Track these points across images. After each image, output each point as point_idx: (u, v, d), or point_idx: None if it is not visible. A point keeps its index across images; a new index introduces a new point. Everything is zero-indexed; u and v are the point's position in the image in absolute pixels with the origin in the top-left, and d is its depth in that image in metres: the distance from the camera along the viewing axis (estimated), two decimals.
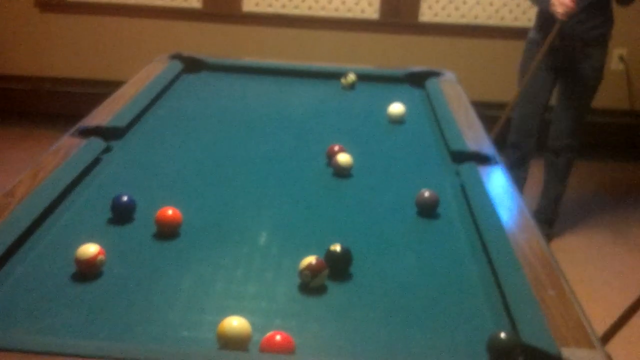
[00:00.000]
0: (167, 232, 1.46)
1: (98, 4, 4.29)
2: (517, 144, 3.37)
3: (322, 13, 4.27)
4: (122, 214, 1.51)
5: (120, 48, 4.37)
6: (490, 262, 1.39)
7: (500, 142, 2.09)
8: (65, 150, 1.77)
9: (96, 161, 1.78)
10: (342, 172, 1.81)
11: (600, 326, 2.62)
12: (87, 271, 1.29)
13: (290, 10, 4.27)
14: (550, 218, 3.44)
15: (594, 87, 3.25)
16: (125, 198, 1.51)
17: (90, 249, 1.30)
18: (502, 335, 1.13)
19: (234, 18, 4.29)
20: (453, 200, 1.69)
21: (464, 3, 4.21)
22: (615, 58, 4.33)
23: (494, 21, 4.22)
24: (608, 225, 3.60)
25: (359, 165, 1.84)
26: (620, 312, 2.39)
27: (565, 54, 3.18)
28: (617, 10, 4.22)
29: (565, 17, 2.97)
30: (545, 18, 3.14)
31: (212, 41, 4.28)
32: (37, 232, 1.42)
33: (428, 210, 1.61)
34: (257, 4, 4.27)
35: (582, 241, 3.45)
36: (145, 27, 4.33)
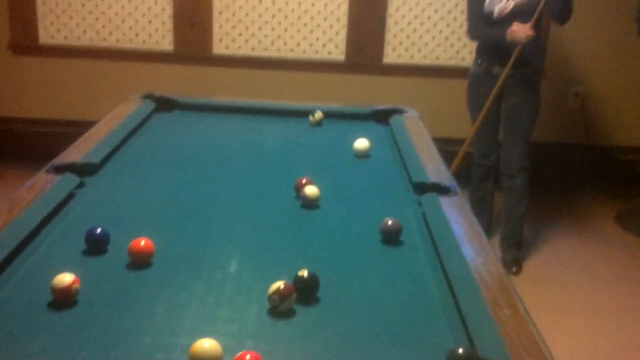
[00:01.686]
0: (140, 261, 1.50)
1: (71, 47, 4.35)
2: (479, 162, 3.62)
3: (290, 55, 4.39)
4: (96, 245, 1.55)
5: (93, 90, 4.42)
6: (450, 284, 1.46)
7: (459, 175, 2.18)
8: (40, 186, 1.82)
9: (70, 196, 1.83)
10: (309, 204, 1.88)
11: (568, 345, 2.73)
12: (63, 299, 1.33)
13: (259, 52, 4.38)
14: (517, 241, 3.57)
15: (533, 112, 3.43)
16: (99, 230, 1.56)
17: (65, 278, 1.34)
18: (460, 350, 1.20)
19: (205, 60, 4.38)
20: (415, 228, 1.77)
21: (426, 45, 4.38)
22: (572, 95, 4.51)
23: (455, 62, 4.38)
24: (569, 253, 3.73)
25: (326, 196, 1.91)
26: (585, 335, 2.48)
27: (505, 79, 3.35)
28: (574, 52, 4.43)
29: (527, 40, 3.17)
30: (487, 51, 3.38)
31: (184, 83, 4.36)
32: (14, 263, 1.46)
33: (391, 237, 1.69)
34: (227, 47, 4.37)
35: (549, 267, 3.57)
36: (117, 69, 4.40)
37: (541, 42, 3.46)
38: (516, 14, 3.23)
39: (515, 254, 3.54)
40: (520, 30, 3.18)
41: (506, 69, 3.28)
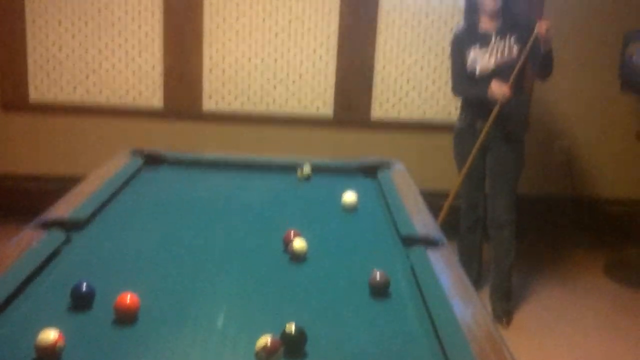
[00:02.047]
0: (125, 317, 1.49)
1: (62, 104, 4.39)
2: (467, 213, 3.66)
3: (279, 111, 4.44)
4: (81, 302, 1.54)
5: (82, 146, 4.44)
6: (438, 338, 1.45)
7: (447, 226, 2.19)
8: (27, 242, 1.81)
9: (57, 252, 1.82)
10: (298, 257, 1.88)
11: None
12: (47, 358, 1.31)
13: (248, 108, 4.43)
14: (506, 293, 3.56)
15: (517, 165, 3.48)
16: (84, 286, 1.55)
17: (50, 335, 1.32)
18: None
19: (195, 116, 4.43)
20: (403, 281, 1.77)
21: (412, 101, 4.45)
22: (557, 148, 4.57)
23: (441, 117, 4.44)
24: (558, 304, 3.72)
25: (315, 250, 1.91)
26: None
27: (489, 134, 3.39)
28: (560, 106, 4.52)
29: (505, 100, 3.23)
30: (470, 106, 3.45)
31: (174, 139, 4.39)
32: None
33: (380, 290, 1.68)
34: (216, 103, 4.43)
35: (538, 318, 3.55)
36: (108, 126, 4.43)
37: (524, 97, 3.53)
38: (498, 72, 3.30)
39: (504, 305, 3.52)
40: (496, 89, 3.25)
41: (487, 125, 3.33)
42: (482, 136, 3.35)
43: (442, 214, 3.33)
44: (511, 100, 3.29)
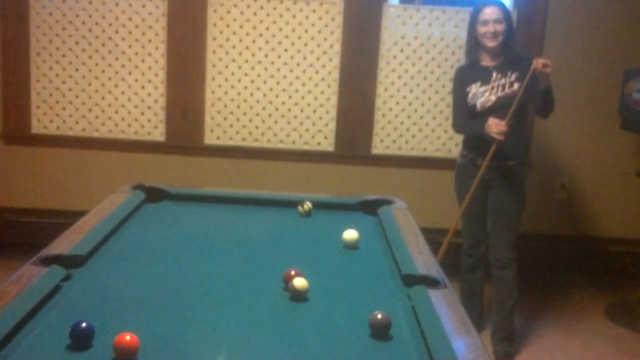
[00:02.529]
0: (125, 357, 1.47)
1: (63, 137, 4.41)
2: (468, 252, 3.64)
3: (280, 145, 4.46)
4: (80, 341, 1.52)
5: (84, 179, 4.45)
6: None
7: (448, 266, 2.18)
8: (26, 279, 1.80)
9: (56, 289, 1.81)
10: (298, 296, 1.87)
11: None
12: None
13: (250, 143, 4.45)
14: (508, 334, 3.52)
15: (518, 203, 3.47)
16: (83, 324, 1.53)
17: None
18: None
19: (197, 150, 4.45)
20: (405, 322, 1.75)
21: (413, 137, 4.47)
22: (558, 186, 4.58)
23: (441, 153, 4.46)
24: (560, 346, 3.68)
25: (315, 289, 1.90)
26: None
27: (490, 172, 3.41)
28: (560, 144, 4.54)
29: (503, 137, 3.24)
30: (472, 143, 3.46)
31: (175, 172, 4.40)
32: None
33: (381, 332, 1.67)
34: (218, 138, 4.45)
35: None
36: (109, 159, 4.44)
37: (524, 135, 3.54)
38: (498, 108, 3.32)
39: (506, 347, 3.49)
40: (493, 126, 3.27)
41: (485, 162, 3.34)
42: (480, 172, 3.36)
43: (442, 251, 3.32)
44: (511, 138, 3.31)
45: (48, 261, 1.93)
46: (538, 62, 3.15)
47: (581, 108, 4.48)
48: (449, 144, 4.44)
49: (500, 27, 3.31)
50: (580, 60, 4.44)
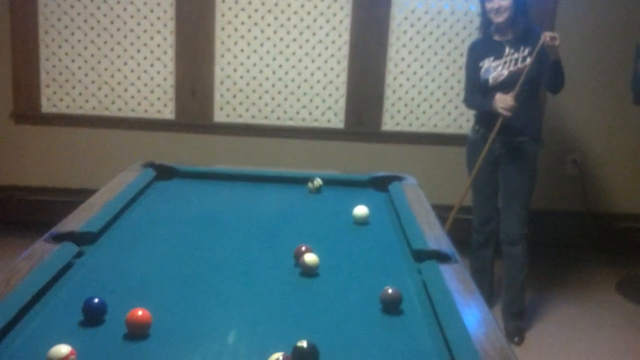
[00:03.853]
0: (137, 333, 1.48)
1: (73, 116, 4.42)
2: (479, 228, 3.64)
3: (290, 123, 4.45)
4: (93, 316, 1.54)
5: (94, 158, 4.47)
6: (451, 356, 1.44)
7: (458, 242, 2.18)
8: (39, 255, 1.81)
9: (69, 265, 1.82)
10: (309, 272, 1.87)
11: None
12: None
13: (260, 120, 4.44)
14: (519, 309, 3.52)
15: (529, 180, 3.45)
16: (96, 300, 1.55)
17: (62, 350, 1.32)
18: None
19: (206, 128, 4.45)
20: (415, 297, 1.75)
21: (424, 113, 4.45)
22: (569, 163, 4.55)
23: (452, 129, 4.44)
24: (571, 322, 3.69)
25: (326, 264, 1.90)
26: None
27: (501, 148, 3.41)
28: (571, 120, 4.50)
29: (509, 112, 3.22)
30: (483, 118, 3.44)
31: (185, 150, 4.41)
32: (10, 334, 1.44)
33: (392, 307, 1.67)
34: (227, 115, 4.44)
35: (551, 336, 3.51)
36: (119, 137, 4.45)
37: (536, 111, 3.51)
38: (510, 82, 3.29)
39: (517, 323, 3.49)
40: (499, 101, 3.25)
41: (491, 136, 3.33)
42: (487, 145, 3.35)
43: (449, 220, 3.31)
44: (522, 114, 3.28)
45: (60, 238, 1.94)
46: (546, 36, 3.12)
47: (593, 83, 4.44)
48: (459, 120, 4.41)
49: (505, 3, 3.27)
50: (592, 35, 4.38)
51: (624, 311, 3.84)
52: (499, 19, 3.30)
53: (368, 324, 1.61)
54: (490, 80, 3.35)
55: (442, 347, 1.49)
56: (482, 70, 3.39)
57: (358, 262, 2.02)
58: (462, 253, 2.06)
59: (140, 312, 1.50)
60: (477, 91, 3.44)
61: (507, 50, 3.35)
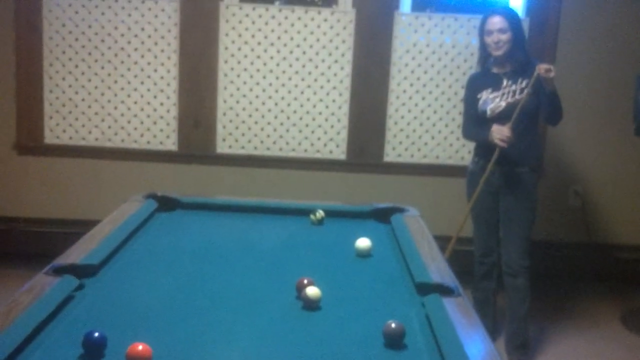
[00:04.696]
0: None
1: (75, 147, 4.43)
2: (481, 260, 3.63)
3: (292, 154, 4.46)
4: (93, 351, 1.52)
5: (96, 189, 4.47)
6: None
7: (460, 274, 2.16)
8: (39, 288, 1.80)
9: (69, 298, 1.81)
10: (311, 305, 1.86)
11: None
12: None
13: (262, 151, 4.46)
14: (523, 342, 3.49)
15: (530, 210, 3.44)
16: (96, 334, 1.53)
17: None
18: None
19: (208, 159, 4.46)
20: (419, 331, 1.73)
21: (426, 144, 4.46)
22: (572, 194, 4.54)
23: (454, 161, 4.44)
24: (575, 355, 3.65)
25: (328, 297, 1.89)
26: None
27: (500, 179, 3.42)
28: (574, 151, 4.51)
29: (505, 143, 3.24)
30: (482, 149, 3.45)
31: (188, 181, 4.41)
32: None
33: (395, 341, 1.65)
34: (230, 146, 4.45)
35: None
36: (122, 168, 4.46)
37: (535, 141, 3.52)
38: (508, 114, 3.30)
39: (520, 356, 3.46)
40: (496, 132, 3.27)
41: (489, 166, 3.35)
42: (484, 177, 3.36)
43: (449, 248, 3.31)
44: (520, 145, 3.30)
45: (61, 271, 1.93)
46: (540, 68, 3.15)
47: (595, 114, 4.46)
48: (461, 151, 4.42)
49: (504, 37, 3.30)
50: (593, 67, 4.41)
51: (628, 343, 3.80)
52: (498, 52, 3.34)
53: (371, 359, 1.59)
54: (488, 112, 3.37)
55: None
56: (480, 102, 3.41)
57: (361, 295, 2.00)
58: (464, 284, 2.05)
59: (140, 347, 1.48)
60: (475, 123, 3.46)
61: (504, 82, 3.38)
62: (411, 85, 4.40)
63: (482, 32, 3.39)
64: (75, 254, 2.09)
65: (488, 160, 3.39)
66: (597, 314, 4.19)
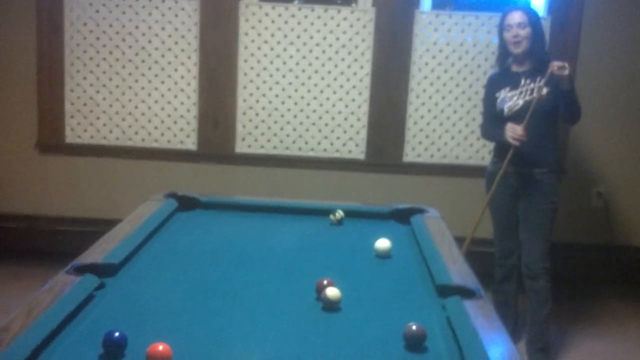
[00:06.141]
0: None
1: (96, 146, 4.46)
2: (501, 262, 3.59)
3: (311, 154, 4.45)
4: (113, 350, 1.52)
5: (117, 188, 4.50)
6: None
7: (480, 276, 2.14)
8: (60, 287, 1.81)
9: (89, 298, 1.81)
10: (330, 306, 1.85)
11: None
12: None
13: (281, 151, 4.45)
14: (544, 345, 3.44)
15: (550, 212, 3.39)
16: (116, 334, 1.53)
17: None
18: None
19: (228, 159, 4.46)
20: (440, 334, 1.72)
21: (445, 144, 4.43)
22: (594, 195, 4.49)
23: (474, 161, 4.41)
24: (598, 358, 3.59)
25: (348, 299, 1.88)
26: None
27: (518, 180, 3.38)
28: (596, 152, 4.45)
29: (518, 143, 3.21)
30: (501, 150, 3.40)
31: (207, 181, 4.42)
32: None
33: (415, 344, 1.63)
34: (249, 146, 4.46)
35: None
36: (142, 167, 4.48)
37: (554, 142, 3.46)
38: (525, 112, 3.26)
39: (542, 359, 3.42)
40: (509, 131, 3.25)
41: (503, 166, 3.33)
42: (499, 175, 3.34)
43: (466, 244, 3.28)
44: (537, 145, 3.27)
45: (81, 270, 1.94)
46: (554, 65, 3.11)
47: (618, 114, 4.40)
48: (482, 151, 4.38)
49: (523, 32, 3.27)
50: (616, 66, 4.35)
51: None
52: (518, 49, 3.31)
53: None
54: (506, 110, 3.35)
55: None
56: (499, 100, 3.39)
57: (381, 297, 1.99)
58: (484, 287, 2.02)
59: (160, 347, 1.48)
60: (493, 122, 3.44)
61: (523, 81, 3.34)
62: (431, 84, 4.37)
63: (502, 27, 3.36)
64: (96, 253, 2.10)
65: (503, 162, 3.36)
66: (620, 316, 4.13)
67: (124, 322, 1.68)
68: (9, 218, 4.55)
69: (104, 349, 1.52)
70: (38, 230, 4.53)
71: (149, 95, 4.42)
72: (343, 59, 4.36)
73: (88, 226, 4.34)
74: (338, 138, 4.44)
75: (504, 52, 3.42)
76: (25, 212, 4.55)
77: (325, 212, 2.75)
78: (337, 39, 4.34)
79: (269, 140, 4.45)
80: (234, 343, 1.63)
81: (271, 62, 4.37)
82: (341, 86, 4.38)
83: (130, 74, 4.40)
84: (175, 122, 4.45)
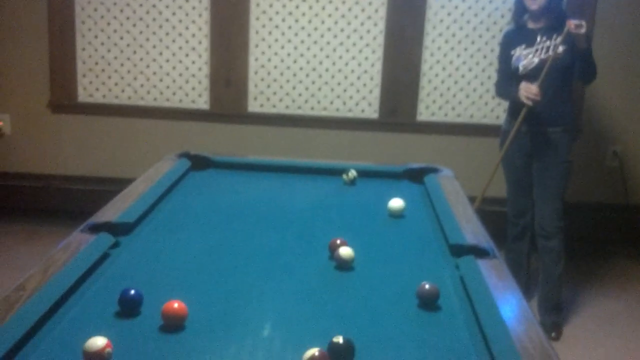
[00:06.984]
0: (173, 325, 1.48)
1: (109, 106, 4.46)
2: (514, 220, 3.59)
3: (324, 113, 4.42)
4: (129, 308, 1.54)
5: (129, 147, 4.50)
6: (490, 353, 1.41)
7: (493, 234, 2.13)
8: (75, 246, 1.82)
9: (105, 256, 1.83)
10: (344, 265, 1.85)
11: None
12: None
13: (293, 110, 4.43)
14: (556, 304, 3.46)
15: (564, 171, 3.37)
16: (132, 292, 1.55)
17: (98, 342, 1.32)
18: None
19: (240, 118, 4.45)
20: (453, 292, 1.72)
21: (460, 103, 4.38)
22: (610, 154, 4.44)
23: (489, 120, 4.36)
24: (609, 317, 3.61)
25: (361, 258, 1.88)
26: None
27: (532, 139, 3.35)
28: (613, 112, 4.39)
29: (531, 102, 3.18)
30: (516, 109, 3.36)
31: (219, 140, 4.42)
32: (47, 324, 1.45)
33: (429, 302, 1.64)
34: (261, 105, 4.43)
35: (588, 331, 3.45)
36: (154, 127, 4.48)
37: (569, 101, 3.41)
38: (541, 70, 3.22)
39: (554, 317, 3.43)
40: (523, 90, 3.21)
41: (516, 125, 3.29)
42: (512, 133, 3.31)
43: (476, 205, 3.27)
44: (551, 104, 3.24)
45: (96, 228, 1.96)
46: (570, 23, 3.05)
47: (635, 74, 4.32)
48: (496, 110, 4.33)
49: None
50: (635, 25, 4.26)
51: None
52: (534, 5, 3.24)
53: (404, 320, 1.59)
54: (521, 68, 3.30)
55: (480, 343, 1.46)
56: (514, 58, 3.34)
57: (394, 256, 1.99)
58: (497, 245, 2.02)
59: (176, 305, 1.49)
60: (508, 80, 3.40)
61: (539, 38, 3.29)
62: (446, 42, 4.31)
63: None
64: (111, 212, 2.11)
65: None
66: (633, 276, 4.13)
67: (139, 280, 1.69)
68: (23, 177, 4.58)
69: (120, 307, 1.54)
70: (52, 190, 4.56)
71: (161, 54, 4.39)
72: (356, 16, 4.29)
73: (101, 185, 4.37)
74: (351, 97, 4.40)
75: (520, 8, 3.36)
76: (39, 171, 4.58)
77: (338, 172, 2.74)
78: None
79: (281, 100, 4.42)
80: (248, 301, 1.65)
81: (283, 20, 4.31)
82: (354, 44, 4.33)
83: (141, 32, 4.36)
84: (187, 81, 4.42)
